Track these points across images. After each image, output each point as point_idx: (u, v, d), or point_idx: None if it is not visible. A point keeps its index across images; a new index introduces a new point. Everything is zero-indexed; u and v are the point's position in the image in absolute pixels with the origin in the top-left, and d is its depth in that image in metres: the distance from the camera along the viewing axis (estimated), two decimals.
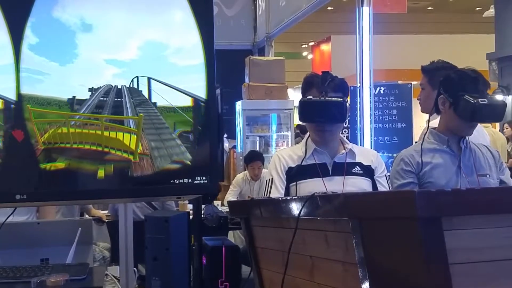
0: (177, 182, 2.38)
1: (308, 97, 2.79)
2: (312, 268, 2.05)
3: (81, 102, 2.32)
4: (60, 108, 2.31)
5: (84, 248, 2.59)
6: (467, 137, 2.98)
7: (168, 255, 2.27)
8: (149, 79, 2.40)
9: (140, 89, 2.39)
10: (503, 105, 2.92)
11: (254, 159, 7.52)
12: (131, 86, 2.38)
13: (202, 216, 2.97)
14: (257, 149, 9.74)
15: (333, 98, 2.74)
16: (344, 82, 2.91)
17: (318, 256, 2.02)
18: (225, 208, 6.21)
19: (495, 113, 2.86)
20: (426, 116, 3.57)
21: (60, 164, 2.30)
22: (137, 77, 2.39)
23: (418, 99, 3.65)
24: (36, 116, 2.27)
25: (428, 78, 3.53)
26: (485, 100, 2.77)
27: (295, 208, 2.03)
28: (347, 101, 2.83)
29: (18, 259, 2.50)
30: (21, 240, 2.58)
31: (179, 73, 2.45)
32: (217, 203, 7.02)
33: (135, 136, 2.36)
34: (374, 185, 2.89)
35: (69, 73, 2.34)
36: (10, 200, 2.28)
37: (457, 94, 2.83)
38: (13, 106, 2.25)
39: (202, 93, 2.46)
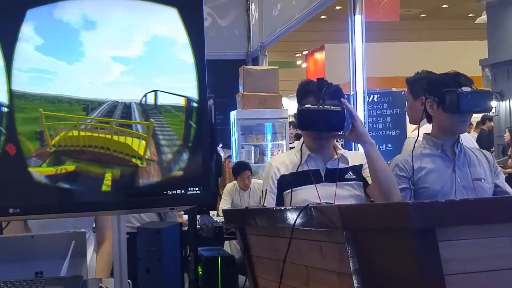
0: (170, 193, 2.38)
1: (307, 105, 2.78)
2: (308, 278, 2.04)
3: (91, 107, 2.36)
4: (71, 105, 2.34)
5: (78, 260, 2.57)
6: (461, 141, 2.98)
7: (161, 266, 2.26)
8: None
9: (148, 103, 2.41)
10: (489, 93, 2.94)
11: (242, 169, 7.53)
12: (142, 102, 2.40)
13: (198, 226, 2.96)
14: (252, 158, 9.74)
15: (332, 107, 2.73)
16: (339, 89, 2.90)
17: (313, 266, 2.01)
18: (221, 218, 6.20)
19: (482, 102, 2.86)
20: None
21: (69, 167, 2.32)
22: (146, 94, 2.41)
23: (405, 111, 3.67)
24: (47, 120, 2.30)
25: (410, 89, 3.58)
26: (468, 88, 2.79)
27: (290, 218, 2.02)
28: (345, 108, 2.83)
29: (12, 273, 2.47)
30: (15, 253, 2.56)
31: (188, 70, 2.46)
32: (212, 213, 7.00)
33: (144, 142, 2.38)
34: (364, 180, 2.87)
35: (77, 71, 2.37)
36: (3, 214, 2.27)
37: (441, 92, 2.85)
38: (4, 119, 2.25)
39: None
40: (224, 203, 7.37)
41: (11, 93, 2.28)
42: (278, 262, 2.17)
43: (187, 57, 2.46)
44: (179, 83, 2.46)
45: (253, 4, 12.60)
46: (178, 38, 2.46)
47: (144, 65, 2.44)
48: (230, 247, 6.71)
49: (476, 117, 11.17)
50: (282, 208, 2.20)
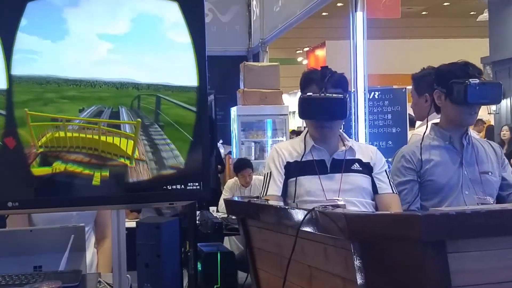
0: (170, 188, 2.37)
1: (308, 93, 2.76)
2: (311, 277, 2.02)
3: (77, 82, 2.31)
4: (59, 86, 2.29)
5: (77, 255, 2.57)
6: (469, 133, 2.95)
7: (160, 261, 2.26)
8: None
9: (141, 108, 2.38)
10: (498, 84, 2.86)
11: (244, 167, 7.51)
12: (132, 107, 2.37)
13: (197, 222, 2.94)
14: (252, 154, 9.74)
15: (333, 95, 2.71)
16: (344, 77, 2.87)
17: (316, 267, 1.99)
18: (220, 214, 6.20)
19: (491, 93, 2.81)
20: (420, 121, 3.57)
21: (58, 167, 2.29)
22: (139, 96, 2.38)
23: (411, 107, 3.64)
24: (33, 120, 2.27)
25: (414, 86, 3.55)
26: (476, 80, 2.75)
27: (294, 219, 1.99)
28: (347, 96, 2.79)
29: (11, 267, 2.48)
30: (14, 247, 2.56)
31: (175, 50, 2.43)
32: (212, 209, 7.00)
33: (132, 141, 2.35)
34: (373, 183, 2.85)
35: (62, 50, 2.32)
36: (2, 208, 2.27)
37: (448, 82, 2.82)
38: (4, 112, 2.23)
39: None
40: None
41: (11, 79, 2.26)
42: (281, 257, 2.16)
43: (179, 36, 2.42)
44: (170, 63, 2.43)
45: (254, 0, 12.58)
46: (168, 17, 2.42)
47: (132, 43, 2.40)
48: (230, 243, 6.70)
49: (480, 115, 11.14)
50: (287, 207, 2.17)
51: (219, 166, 9.12)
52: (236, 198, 3.57)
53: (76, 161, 2.31)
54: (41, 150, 2.28)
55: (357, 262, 1.69)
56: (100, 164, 2.33)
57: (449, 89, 2.81)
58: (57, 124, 2.30)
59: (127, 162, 2.35)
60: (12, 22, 2.26)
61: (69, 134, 2.31)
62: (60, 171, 2.30)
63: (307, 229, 1.91)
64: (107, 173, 2.34)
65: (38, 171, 2.29)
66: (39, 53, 2.30)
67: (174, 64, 2.44)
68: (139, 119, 2.36)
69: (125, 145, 2.36)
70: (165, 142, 2.39)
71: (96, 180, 2.32)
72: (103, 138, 2.34)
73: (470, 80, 2.74)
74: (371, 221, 1.72)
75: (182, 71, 2.43)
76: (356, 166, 2.83)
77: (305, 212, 1.90)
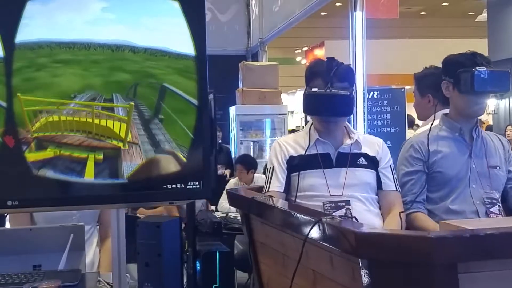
0: (170, 187, 2.36)
1: (313, 89, 2.71)
2: (315, 282, 2.00)
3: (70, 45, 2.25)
4: (52, 50, 2.23)
5: (77, 254, 2.57)
6: (479, 126, 2.93)
7: (160, 260, 2.25)
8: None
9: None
10: (506, 72, 2.81)
11: (236, 163, 7.61)
12: (127, 95, 2.34)
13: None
14: (251, 154, 9.74)
15: (339, 91, 2.66)
16: (350, 69, 2.84)
17: (321, 274, 1.96)
18: (220, 214, 6.20)
19: (498, 82, 2.77)
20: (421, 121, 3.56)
21: (53, 151, 2.26)
22: (135, 84, 2.35)
23: (414, 107, 3.64)
24: (27, 105, 2.23)
25: (417, 86, 3.53)
26: (484, 67, 2.72)
27: (300, 227, 1.96)
28: (354, 90, 2.76)
29: (10, 266, 2.48)
30: (13, 246, 2.56)
31: (173, 14, 2.36)
32: (211, 208, 6.99)
33: (125, 124, 2.32)
34: (378, 177, 2.83)
35: (53, 11, 2.24)
36: (1, 207, 2.26)
37: (456, 72, 2.80)
38: (3, 109, 2.23)
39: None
40: (225, 200, 7.38)
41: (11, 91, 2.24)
42: (284, 255, 2.14)
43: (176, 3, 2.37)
44: (169, 27, 2.37)
45: (253, 0, 12.58)
46: None
47: (128, 2, 2.34)
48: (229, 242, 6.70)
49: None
50: (292, 212, 2.14)
51: (228, 170, 9.01)
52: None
53: (69, 143, 2.27)
54: (35, 135, 2.25)
55: (365, 279, 1.66)
56: (94, 147, 2.30)
57: (456, 78, 2.79)
58: (51, 108, 2.26)
59: (120, 144, 2.32)
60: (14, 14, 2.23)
61: (63, 118, 2.27)
62: (55, 155, 2.27)
63: (314, 237, 1.88)
64: (101, 156, 2.31)
65: (33, 156, 2.26)
66: (28, 18, 2.22)
67: (172, 28, 2.37)
68: (132, 103, 2.33)
69: (118, 128, 2.33)
70: (157, 127, 2.37)
71: (90, 167, 2.29)
72: (96, 121, 2.30)
73: (477, 68, 2.71)
74: (382, 241, 1.69)
75: (180, 37, 2.37)
76: (361, 160, 2.81)
77: (312, 220, 1.87)
